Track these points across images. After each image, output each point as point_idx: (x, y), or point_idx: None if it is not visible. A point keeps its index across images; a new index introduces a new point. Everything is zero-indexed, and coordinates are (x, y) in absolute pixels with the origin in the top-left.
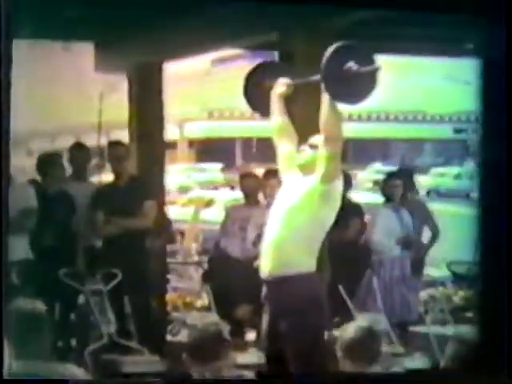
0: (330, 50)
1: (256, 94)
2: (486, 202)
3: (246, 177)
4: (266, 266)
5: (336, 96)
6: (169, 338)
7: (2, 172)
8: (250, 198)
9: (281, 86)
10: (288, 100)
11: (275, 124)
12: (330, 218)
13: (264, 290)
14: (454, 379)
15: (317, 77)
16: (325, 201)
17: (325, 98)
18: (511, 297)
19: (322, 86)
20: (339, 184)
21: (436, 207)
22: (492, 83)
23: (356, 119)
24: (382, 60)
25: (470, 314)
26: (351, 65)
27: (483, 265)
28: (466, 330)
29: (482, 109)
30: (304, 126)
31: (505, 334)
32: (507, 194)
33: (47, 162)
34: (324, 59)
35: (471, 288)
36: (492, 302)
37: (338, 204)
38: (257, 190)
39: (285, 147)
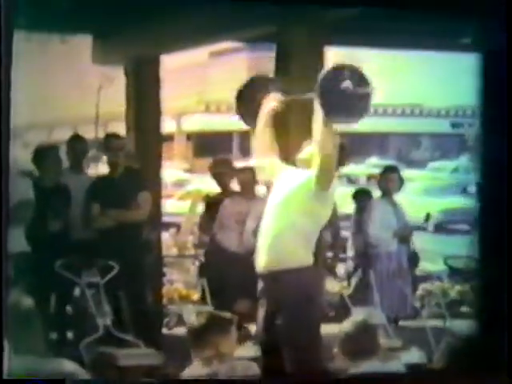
0: (326, 69)
1: (247, 106)
2: (485, 196)
3: (242, 170)
4: (262, 260)
5: (331, 115)
6: (164, 330)
7: (2, 166)
8: (247, 192)
9: (272, 100)
10: (278, 115)
11: (258, 136)
12: (326, 214)
13: (260, 284)
14: (454, 379)
15: (310, 95)
16: (319, 202)
17: (319, 116)
18: (511, 296)
19: (317, 104)
20: (333, 187)
21: (433, 201)
22: (491, 77)
23: None
24: (380, 54)
25: (466, 309)
26: (347, 84)
27: (482, 260)
28: (462, 325)
29: (482, 103)
30: (295, 139)
31: (504, 333)
32: (507, 189)
33: (43, 155)
34: (319, 78)
35: (467, 282)
36: (491, 299)
37: (332, 202)
38: (253, 183)
39: (263, 159)
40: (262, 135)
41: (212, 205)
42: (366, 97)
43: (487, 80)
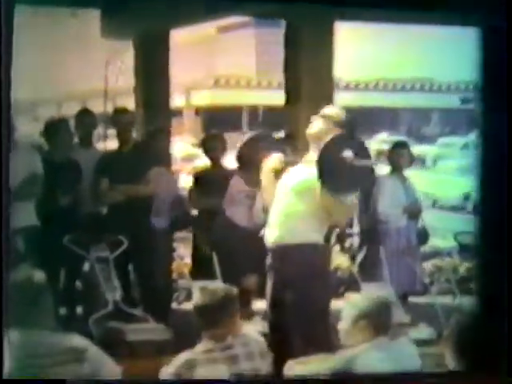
0: (328, 139)
1: (247, 164)
2: (486, 176)
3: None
4: (272, 235)
5: (330, 186)
6: (174, 305)
7: (3, 138)
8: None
9: (273, 160)
10: (278, 173)
11: (264, 191)
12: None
13: (269, 258)
14: (454, 379)
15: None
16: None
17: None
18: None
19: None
20: None
21: (442, 177)
22: (494, 52)
23: (362, 88)
24: (389, 28)
25: (475, 285)
26: (348, 154)
27: (482, 241)
28: (472, 302)
29: (483, 79)
30: None
31: (505, 332)
32: (507, 170)
33: (54, 128)
34: (321, 148)
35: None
36: (491, 285)
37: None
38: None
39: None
40: (268, 191)
41: (201, 179)
42: (367, 169)
43: (488, 55)
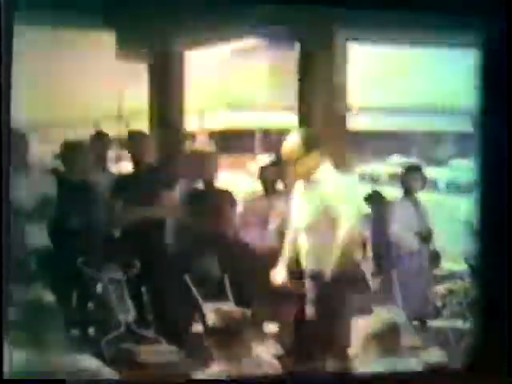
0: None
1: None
2: (486, 196)
3: (264, 168)
4: (310, 261)
5: None
6: (187, 327)
7: (3, 161)
8: (269, 189)
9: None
10: None
11: None
12: None
13: (307, 284)
14: (455, 379)
15: None
16: None
17: None
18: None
19: None
20: None
21: (454, 200)
22: (494, 75)
23: (375, 111)
24: (400, 51)
25: (475, 287)
26: None
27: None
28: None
29: (483, 101)
30: None
31: (505, 333)
32: (507, 189)
33: (71, 151)
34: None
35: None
36: (491, 297)
37: None
38: (276, 180)
39: None
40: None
41: (195, 200)
42: None
43: (488, 78)
